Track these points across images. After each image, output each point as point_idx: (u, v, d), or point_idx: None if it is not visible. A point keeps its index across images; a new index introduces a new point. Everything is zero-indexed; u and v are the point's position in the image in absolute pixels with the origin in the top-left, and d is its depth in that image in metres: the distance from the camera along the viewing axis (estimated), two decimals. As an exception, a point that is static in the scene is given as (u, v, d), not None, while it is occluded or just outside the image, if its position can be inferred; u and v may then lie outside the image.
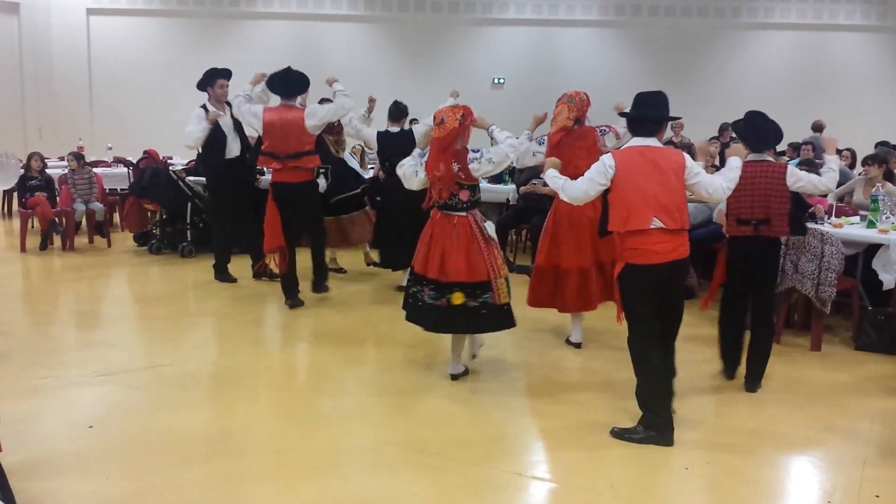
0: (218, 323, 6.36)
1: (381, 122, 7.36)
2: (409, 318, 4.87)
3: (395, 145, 6.87)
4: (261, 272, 7.53)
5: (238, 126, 7.27)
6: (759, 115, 4.77)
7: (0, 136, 14.02)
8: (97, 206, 9.47)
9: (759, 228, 4.61)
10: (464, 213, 4.67)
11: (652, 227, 3.84)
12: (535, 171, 7.60)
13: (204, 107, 7.19)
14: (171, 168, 9.47)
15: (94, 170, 10.09)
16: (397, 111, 7.10)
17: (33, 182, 9.38)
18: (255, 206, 7.63)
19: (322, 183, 7.20)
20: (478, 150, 4.67)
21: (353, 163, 8.03)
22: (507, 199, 9.04)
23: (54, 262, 8.76)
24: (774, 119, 4.79)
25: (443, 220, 4.69)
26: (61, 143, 14.05)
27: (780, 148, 9.28)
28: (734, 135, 8.80)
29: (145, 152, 10.04)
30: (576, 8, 16.52)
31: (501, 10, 16.51)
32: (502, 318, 4.71)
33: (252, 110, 6.51)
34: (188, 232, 8.95)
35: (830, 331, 6.08)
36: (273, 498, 3.42)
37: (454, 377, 4.89)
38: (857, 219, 6.31)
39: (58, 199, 9.44)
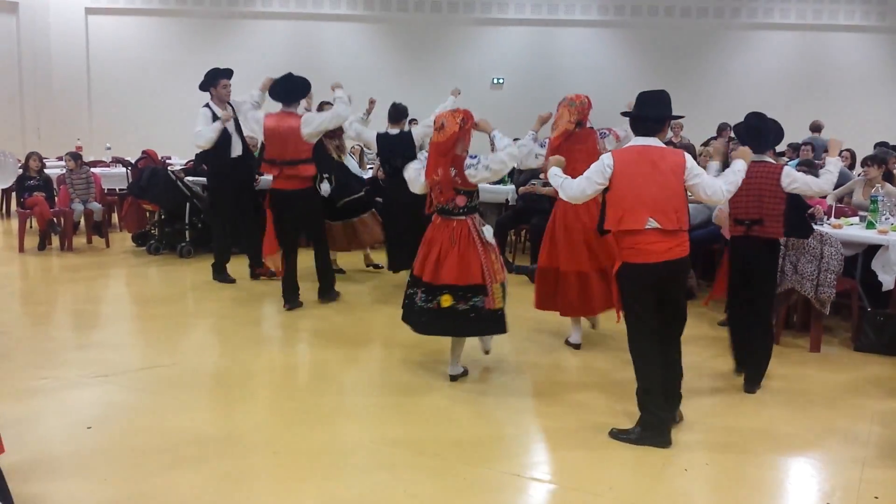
0: (217, 323, 6.35)
1: (378, 123, 7.36)
2: (402, 318, 4.91)
3: (394, 147, 6.87)
4: (259, 273, 7.57)
5: (239, 126, 7.30)
6: (757, 116, 4.77)
7: (-2, 136, 14.02)
8: (95, 206, 9.46)
9: (753, 229, 4.63)
10: (463, 217, 4.68)
11: (647, 227, 3.84)
12: (535, 172, 7.61)
13: (208, 106, 7.19)
14: (169, 168, 9.46)
15: (93, 170, 10.07)
16: (396, 112, 7.09)
17: (31, 182, 9.37)
18: (255, 207, 7.67)
19: (326, 187, 7.21)
20: (475, 157, 4.66)
21: (353, 164, 8.04)
22: (507, 200, 9.04)
23: (52, 262, 8.75)
24: (774, 119, 4.79)
25: (442, 225, 4.71)
26: (60, 142, 14.01)
27: (779, 149, 9.27)
28: (733, 135, 8.83)
29: (144, 152, 10.02)
30: (575, 8, 16.52)
31: (501, 9, 16.50)
32: (493, 323, 4.70)
33: (255, 117, 6.58)
34: (187, 232, 8.94)
35: (830, 332, 6.07)
36: (273, 499, 3.41)
37: (453, 378, 4.89)
38: (856, 220, 6.31)
39: (56, 199, 9.43)
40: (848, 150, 9.53)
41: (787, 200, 4.60)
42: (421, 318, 4.71)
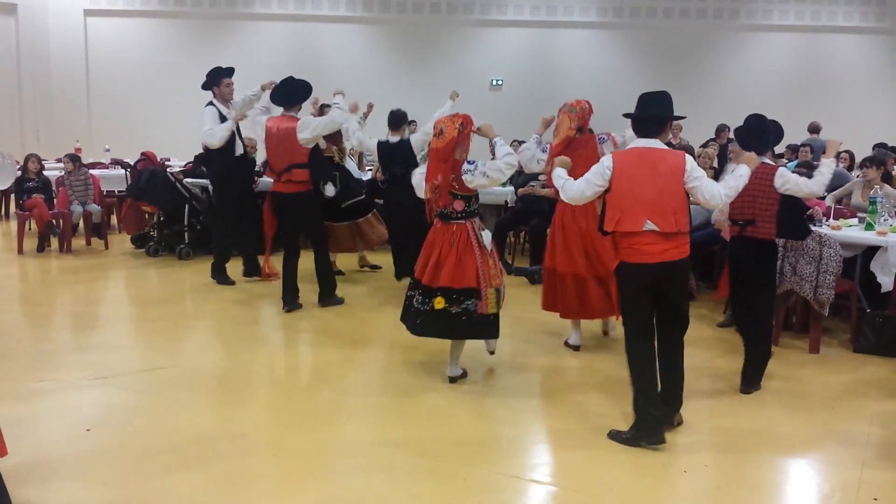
0: (216, 325, 6.35)
1: (375, 126, 7.38)
2: (401, 318, 4.95)
3: (394, 155, 6.89)
4: (252, 273, 7.63)
5: (238, 126, 7.32)
6: (756, 118, 4.77)
7: (-3, 138, 14.01)
8: (94, 207, 9.46)
9: (746, 229, 4.65)
10: (462, 221, 4.70)
11: (644, 229, 3.85)
12: (534, 174, 7.61)
13: (213, 105, 7.20)
14: (168, 170, 9.47)
15: (92, 171, 10.08)
16: (396, 119, 7.09)
17: (30, 184, 9.37)
18: (255, 208, 7.68)
19: (330, 189, 7.23)
20: (473, 163, 4.66)
21: (352, 166, 8.06)
22: (506, 202, 9.05)
23: (51, 264, 8.74)
24: (774, 120, 4.79)
25: (442, 228, 4.74)
26: (59, 144, 14.02)
27: (778, 150, 9.29)
28: (732, 136, 8.83)
29: (143, 154, 10.03)
30: (574, 9, 16.53)
31: (500, 11, 16.51)
32: (485, 327, 4.72)
33: (260, 121, 6.68)
34: (186, 234, 8.94)
35: (829, 333, 6.08)
36: (273, 500, 3.41)
37: (452, 380, 4.89)
38: (855, 221, 6.31)
39: (55, 200, 9.43)
40: (847, 151, 9.54)
41: (782, 202, 4.59)
42: (416, 319, 4.75)
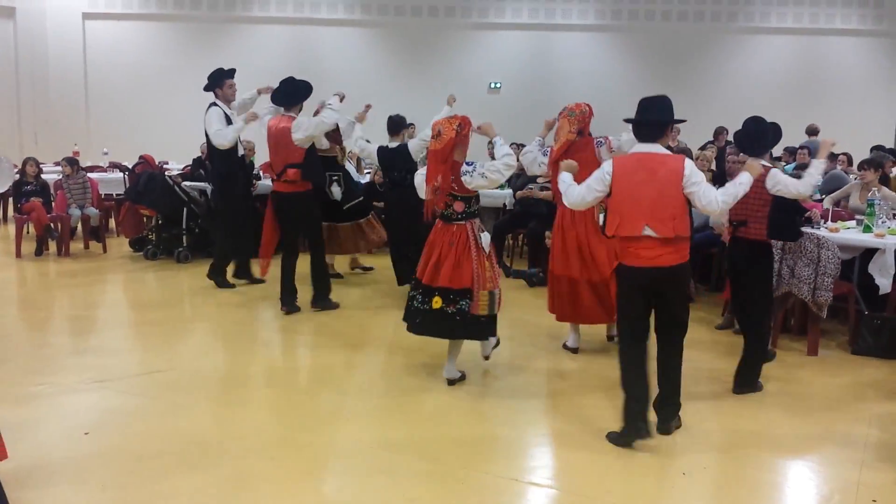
0: (215, 328, 6.35)
1: (373, 130, 7.40)
2: (403, 318, 4.97)
3: (394, 160, 6.91)
4: (243, 276, 7.65)
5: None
6: (754, 120, 4.77)
7: (-4, 142, 14.01)
8: (92, 211, 9.45)
9: (738, 230, 4.66)
10: (462, 222, 4.72)
11: (643, 234, 3.87)
12: (532, 176, 7.62)
13: (216, 105, 7.21)
14: (166, 173, 9.47)
15: (90, 175, 10.08)
16: (394, 125, 7.11)
17: (28, 187, 9.36)
18: (253, 211, 7.70)
19: (336, 190, 7.24)
20: (471, 164, 4.68)
21: (351, 169, 8.09)
22: (504, 204, 9.06)
23: (50, 267, 8.74)
24: (773, 122, 4.80)
25: (443, 229, 4.77)
26: (57, 148, 13.96)
27: (776, 153, 9.29)
28: (730, 139, 8.84)
29: (141, 157, 10.02)
30: (572, 12, 16.55)
31: (498, 14, 16.52)
32: (477, 328, 4.74)
33: (264, 122, 6.71)
34: (184, 237, 8.93)
35: (827, 335, 6.08)
36: (272, 502, 3.41)
37: (450, 382, 4.89)
38: (853, 223, 6.32)
39: (53, 204, 9.42)
40: (844, 153, 9.56)
41: (774, 203, 4.59)
42: (416, 318, 4.81)
